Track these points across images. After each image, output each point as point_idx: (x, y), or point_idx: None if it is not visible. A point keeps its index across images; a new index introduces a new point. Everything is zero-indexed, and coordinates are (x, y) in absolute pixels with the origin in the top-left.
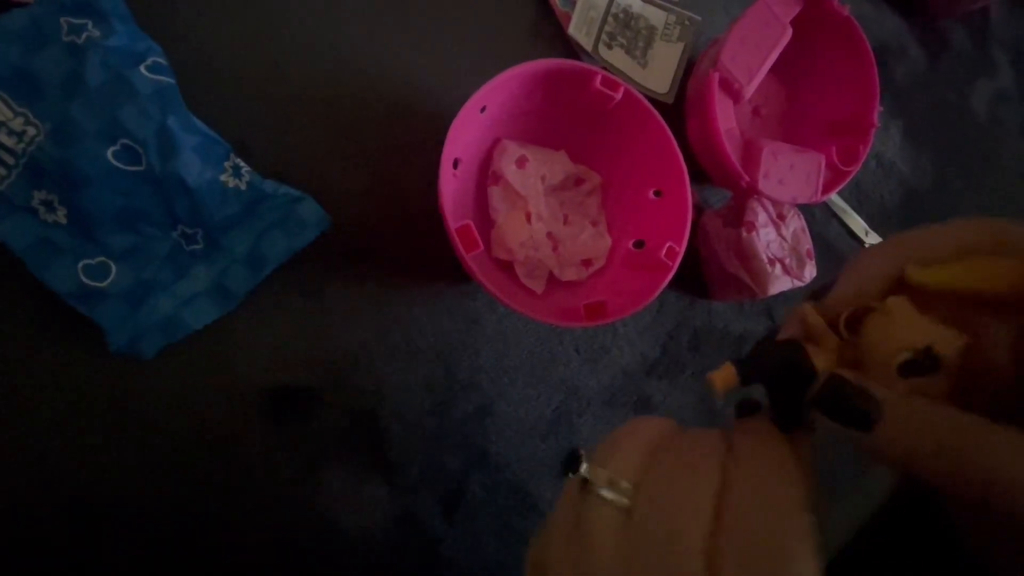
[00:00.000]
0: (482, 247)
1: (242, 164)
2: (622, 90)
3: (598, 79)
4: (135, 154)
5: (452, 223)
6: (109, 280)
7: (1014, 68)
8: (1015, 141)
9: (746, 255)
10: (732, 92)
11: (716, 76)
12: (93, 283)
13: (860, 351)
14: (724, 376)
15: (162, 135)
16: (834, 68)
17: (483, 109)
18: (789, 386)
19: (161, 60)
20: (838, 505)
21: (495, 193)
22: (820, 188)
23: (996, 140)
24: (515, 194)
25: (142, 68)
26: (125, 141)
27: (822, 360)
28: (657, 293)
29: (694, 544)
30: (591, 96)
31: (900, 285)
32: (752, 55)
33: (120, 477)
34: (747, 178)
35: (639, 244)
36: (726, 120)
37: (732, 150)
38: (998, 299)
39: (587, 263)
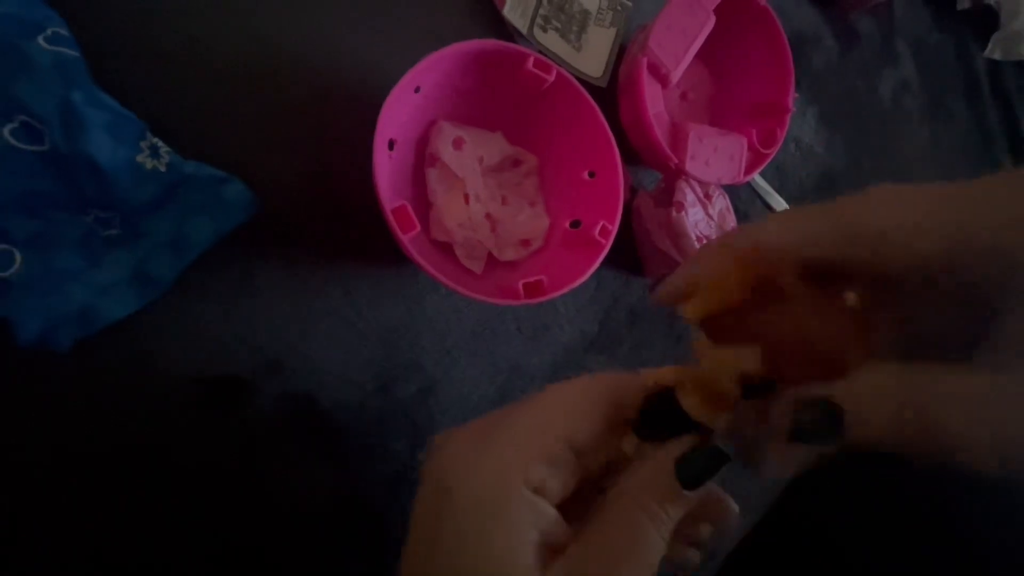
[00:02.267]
0: (419, 228)
1: (160, 144)
2: (555, 72)
3: (530, 61)
4: (36, 132)
5: (388, 204)
6: (13, 270)
7: (915, 59)
8: (915, 126)
9: (676, 233)
10: (660, 76)
11: (644, 61)
12: None
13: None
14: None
15: (66, 112)
16: (754, 55)
17: (417, 89)
18: (673, 431)
19: (62, 31)
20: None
21: (432, 175)
22: (743, 169)
23: (899, 125)
24: (452, 175)
25: (40, 39)
26: (23, 118)
27: (704, 408)
28: (592, 270)
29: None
30: (525, 78)
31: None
32: (678, 41)
33: (36, 478)
34: (675, 160)
35: (575, 224)
36: (655, 104)
37: (661, 133)
38: (746, 302)
39: (526, 243)
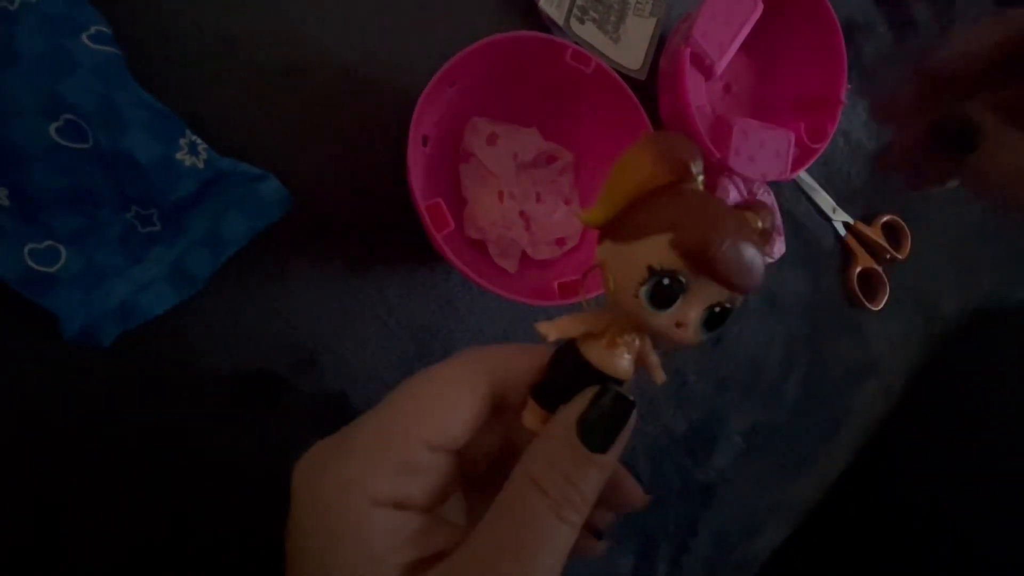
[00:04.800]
0: (453, 225)
1: (199, 141)
2: (593, 64)
3: (568, 53)
4: (80, 130)
5: (422, 202)
6: (59, 265)
7: None
8: None
9: None
10: (703, 68)
11: (687, 52)
12: (42, 268)
13: (615, 315)
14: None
15: (108, 110)
16: (803, 45)
17: (452, 83)
18: (582, 383)
19: (105, 29)
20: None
21: (466, 171)
22: (790, 165)
23: None
24: (486, 172)
25: (84, 37)
26: (68, 116)
27: (608, 355)
28: None
29: None
30: (562, 71)
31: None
32: (723, 31)
33: (81, 470)
34: (718, 155)
35: None
36: (697, 97)
37: (703, 127)
38: (651, 195)
39: (560, 242)
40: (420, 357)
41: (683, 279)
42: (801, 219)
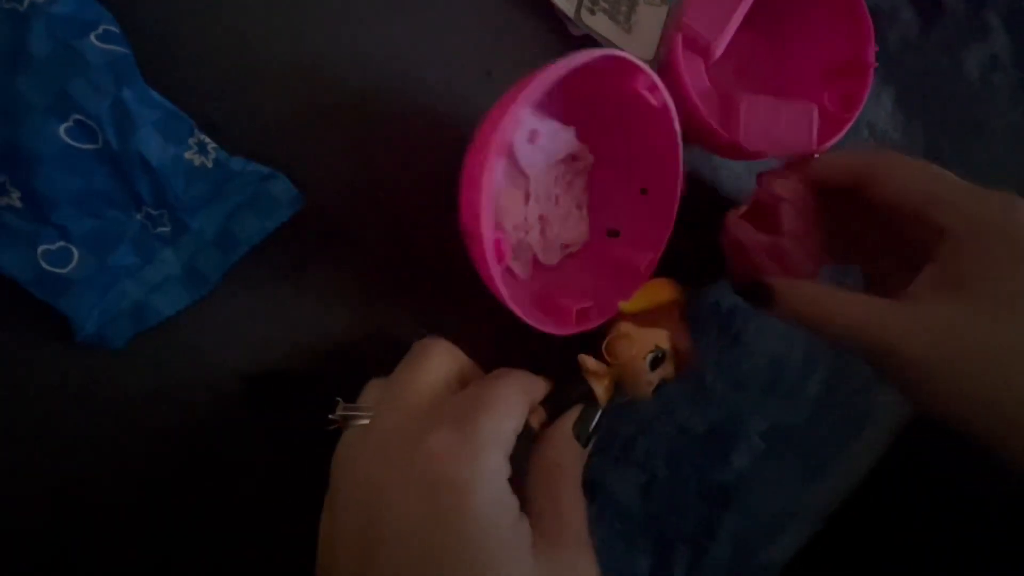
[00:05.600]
0: (507, 259)
1: (208, 140)
2: (662, 99)
3: (641, 80)
4: (90, 131)
5: (488, 234)
6: (72, 266)
7: (1007, 32)
8: (1006, 107)
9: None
10: (700, 50)
11: (679, 37)
12: (55, 269)
13: (620, 367)
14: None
15: (117, 110)
16: (820, 12)
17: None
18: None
19: (113, 28)
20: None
21: (500, 167)
22: (815, 137)
23: (987, 106)
24: (518, 172)
25: (92, 37)
26: (78, 117)
27: (601, 389)
28: (635, 290)
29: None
30: (626, 95)
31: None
32: (717, 9)
33: (93, 470)
34: (726, 135)
35: (613, 233)
36: (698, 81)
37: (709, 111)
38: (660, 309)
39: (565, 247)
40: None
41: (666, 358)
42: None
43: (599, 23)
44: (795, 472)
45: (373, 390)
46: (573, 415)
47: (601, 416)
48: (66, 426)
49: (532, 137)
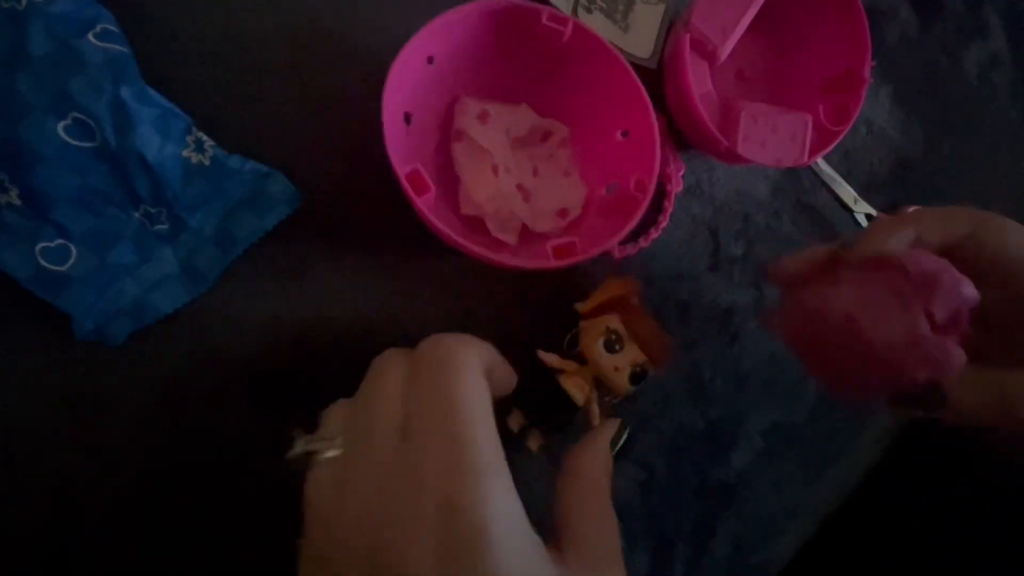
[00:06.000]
0: (433, 190)
1: (205, 138)
2: (570, 25)
3: (544, 15)
4: (88, 129)
5: (401, 170)
6: (70, 264)
7: (1006, 30)
8: (1004, 106)
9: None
10: (706, 53)
11: (687, 38)
12: (53, 267)
13: (590, 366)
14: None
15: (116, 108)
16: (821, 23)
17: (430, 60)
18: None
19: (112, 27)
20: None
21: (459, 149)
22: (807, 150)
23: (986, 105)
24: (479, 149)
25: (90, 36)
26: (76, 115)
27: (575, 387)
28: (630, 225)
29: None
30: (540, 36)
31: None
32: (725, 14)
33: (93, 468)
34: (725, 142)
35: (611, 189)
36: (702, 84)
37: (710, 114)
38: (613, 301)
39: (563, 213)
40: None
41: (622, 339)
42: (820, 210)
43: (596, 22)
44: (795, 471)
45: (336, 417)
46: (609, 431)
47: (628, 431)
48: (65, 424)
49: (482, 118)
